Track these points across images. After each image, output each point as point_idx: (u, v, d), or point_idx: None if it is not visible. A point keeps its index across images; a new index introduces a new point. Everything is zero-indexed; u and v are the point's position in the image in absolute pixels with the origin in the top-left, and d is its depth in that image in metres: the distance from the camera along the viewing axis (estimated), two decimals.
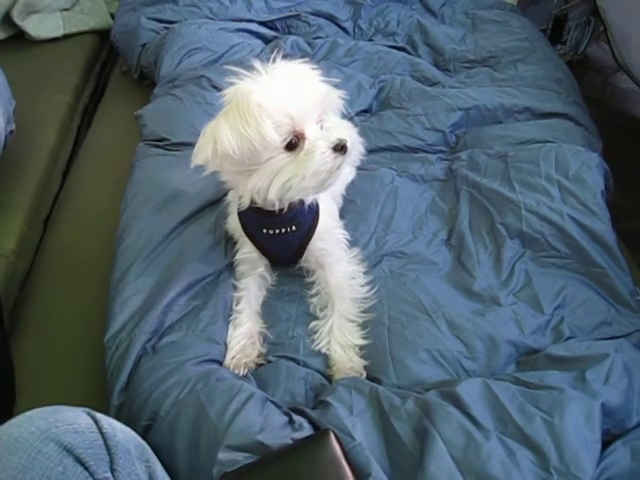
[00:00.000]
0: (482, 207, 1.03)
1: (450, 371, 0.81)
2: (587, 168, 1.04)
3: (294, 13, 1.61)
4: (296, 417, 0.73)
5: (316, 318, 0.90)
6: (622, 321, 0.86)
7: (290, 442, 0.68)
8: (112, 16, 1.77)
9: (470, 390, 0.73)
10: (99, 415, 0.58)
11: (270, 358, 0.86)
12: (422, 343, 0.83)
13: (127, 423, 0.62)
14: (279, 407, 0.75)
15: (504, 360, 0.83)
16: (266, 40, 1.53)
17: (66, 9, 1.74)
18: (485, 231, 0.99)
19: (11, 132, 1.17)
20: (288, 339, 0.88)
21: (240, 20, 1.56)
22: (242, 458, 0.67)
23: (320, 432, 0.69)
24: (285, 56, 0.82)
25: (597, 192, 1.01)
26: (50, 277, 1.09)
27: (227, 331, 0.88)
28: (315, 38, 1.53)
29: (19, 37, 1.70)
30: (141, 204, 1.05)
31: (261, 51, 1.46)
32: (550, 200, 0.99)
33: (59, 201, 1.28)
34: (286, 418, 0.73)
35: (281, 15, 1.61)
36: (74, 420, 0.55)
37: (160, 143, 1.20)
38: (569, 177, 1.02)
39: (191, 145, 0.82)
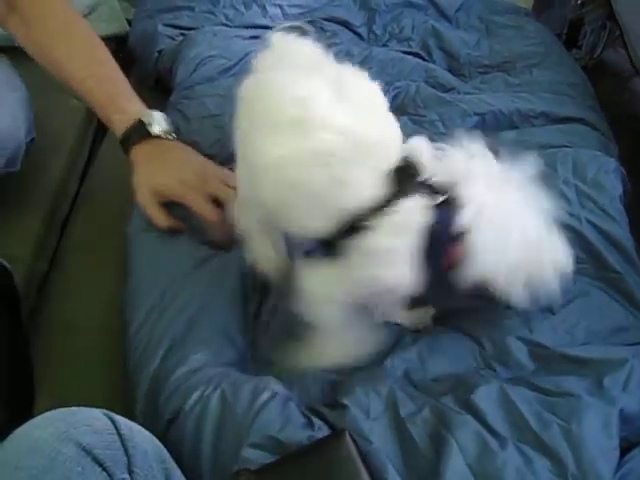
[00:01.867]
0: None
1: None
2: (604, 173, 1.03)
3: (309, 19, 1.61)
4: (314, 419, 0.73)
5: None
6: None
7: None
8: (128, 22, 1.78)
9: (486, 397, 0.73)
10: (117, 417, 0.58)
11: None
12: None
13: (151, 417, 0.62)
14: (299, 407, 0.75)
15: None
16: None
17: (85, 15, 1.76)
18: None
19: (31, 140, 1.18)
20: None
21: (255, 27, 1.57)
22: (260, 457, 0.68)
23: (335, 432, 0.69)
24: None
25: (615, 196, 1.00)
26: (68, 279, 1.10)
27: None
28: (329, 45, 1.53)
29: None
30: None
31: None
32: (568, 204, 0.98)
33: (77, 204, 1.29)
34: (305, 419, 0.73)
35: (296, 21, 1.61)
36: (92, 421, 0.56)
37: None
38: (587, 181, 1.01)
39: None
